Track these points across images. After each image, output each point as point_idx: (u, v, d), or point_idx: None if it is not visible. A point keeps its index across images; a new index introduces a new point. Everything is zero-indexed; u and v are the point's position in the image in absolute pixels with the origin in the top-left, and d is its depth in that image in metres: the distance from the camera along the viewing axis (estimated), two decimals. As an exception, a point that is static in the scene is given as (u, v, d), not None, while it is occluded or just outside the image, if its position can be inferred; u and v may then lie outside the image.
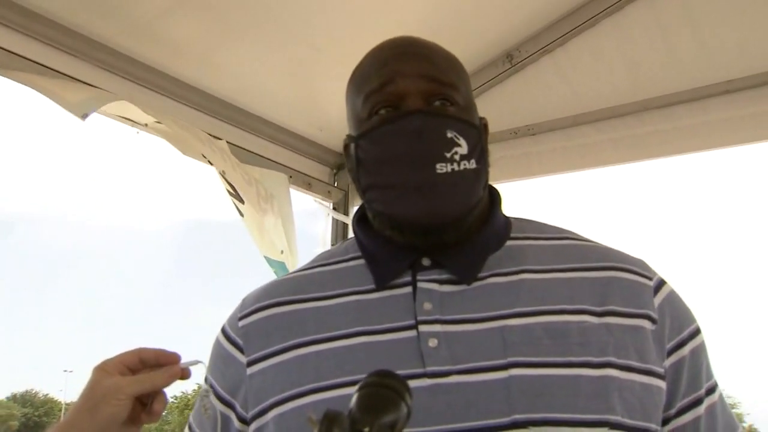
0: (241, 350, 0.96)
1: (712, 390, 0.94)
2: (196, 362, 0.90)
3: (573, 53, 2.36)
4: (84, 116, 1.65)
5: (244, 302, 1.01)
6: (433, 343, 0.86)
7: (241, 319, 0.99)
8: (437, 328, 0.87)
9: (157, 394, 0.86)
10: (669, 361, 0.90)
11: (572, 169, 2.52)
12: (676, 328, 0.92)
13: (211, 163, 2.04)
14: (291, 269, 2.32)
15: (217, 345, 1.01)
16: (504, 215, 1.01)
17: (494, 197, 1.02)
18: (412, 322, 0.88)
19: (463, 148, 0.91)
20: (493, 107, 2.54)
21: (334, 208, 2.76)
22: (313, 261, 1.05)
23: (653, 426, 0.85)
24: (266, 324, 0.96)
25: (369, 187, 0.95)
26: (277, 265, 2.31)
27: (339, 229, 2.74)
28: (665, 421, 0.89)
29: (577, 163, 2.48)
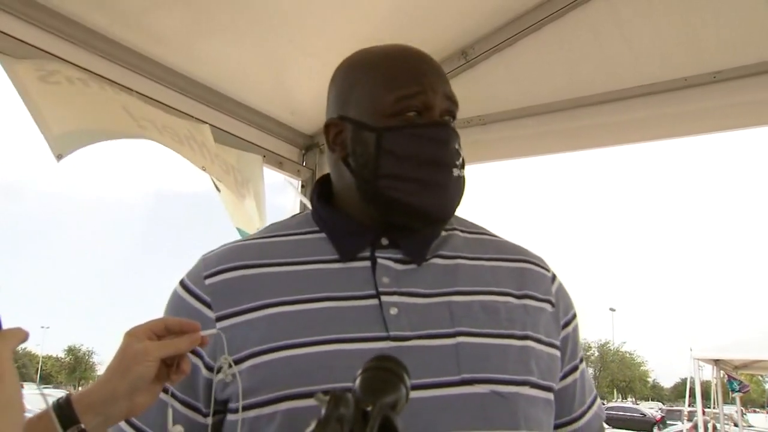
0: (209, 306, 0.98)
1: (582, 360, 1.12)
2: (215, 331, 0.93)
3: (520, 53, 2.42)
4: (59, 157, 1.56)
5: (207, 262, 1.03)
6: (394, 311, 0.93)
7: (207, 277, 1.00)
8: (395, 298, 0.94)
9: (181, 356, 0.90)
10: (561, 336, 1.05)
11: (518, 156, 2.63)
12: (565, 311, 1.07)
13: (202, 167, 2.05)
14: None
15: (179, 300, 1.02)
16: None
17: None
18: (372, 292, 0.95)
19: (460, 159, 1.00)
20: (449, 98, 2.60)
21: (302, 186, 2.80)
22: (268, 231, 1.08)
23: (554, 385, 1.00)
24: (234, 283, 0.98)
25: (389, 175, 0.97)
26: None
27: (305, 205, 2.78)
28: None
29: (522, 150, 2.59)
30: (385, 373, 0.65)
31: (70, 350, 65.74)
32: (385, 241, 1.00)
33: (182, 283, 1.03)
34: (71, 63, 1.84)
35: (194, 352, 0.99)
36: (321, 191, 1.08)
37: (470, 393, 0.90)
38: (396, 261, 0.99)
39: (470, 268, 1.02)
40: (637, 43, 2.21)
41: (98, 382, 0.88)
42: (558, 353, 1.02)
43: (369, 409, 0.59)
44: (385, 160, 0.97)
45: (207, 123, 2.25)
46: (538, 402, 0.96)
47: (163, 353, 0.87)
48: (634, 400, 57.52)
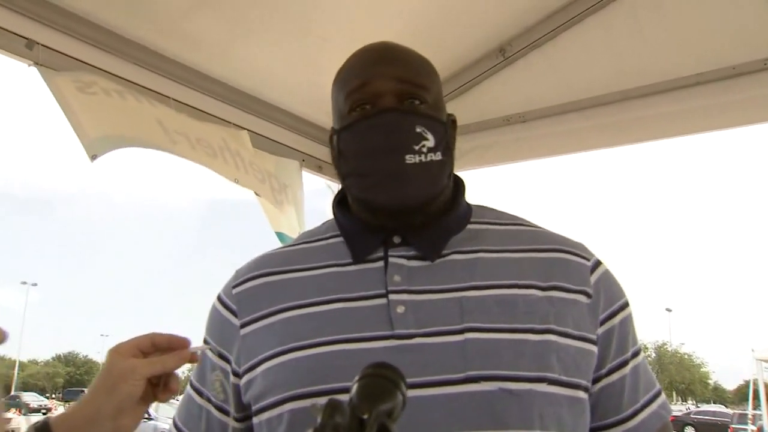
0: (235, 314, 1.01)
1: (636, 354, 1.02)
2: (205, 347, 0.92)
3: (561, 47, 2.37)
4: (93, 157, 1.61)
5: (237, 273, 1.06)
6: (400, 309, 0.91)
7: (234, 287, 1.03)
8: (404, 297, 0.92)
9: (170, 374, 0.87)
10: (601, 329, 0.97)
11: (559, 153, 2.56)
12: (608, 302, 0.99)
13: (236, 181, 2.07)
14: None
15: (214, 311, 1.05)
16: (467, 202, 1.06)
17: (458, 186, 1.06)
18: (383, 291, 0.93)
19: (430, 142, 0.95)
20: (488, 96, 2.58)
21: (342, 190, 2.79)
22: (298, 239, 1.11)
23: (584, 382, 0.93)
24: (257, 291, 1.01)
25: (348, 174, 1.00)
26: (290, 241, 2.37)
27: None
28: (597, 380, 0.96)
29: (564, 147, 2.52)
30: (381, 381, 0.64)
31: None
32: (397, 240, 0.98)
33: (217, 296, 1.06)
34: (110, 73, 1.87)
35: (224, 358, 1.00)
36: (342, 197, 1.08)
37: (476, 391, 0.86)
38: (410, 258, 0.97)
39: (491, 262, 0.98)
40: (682, 31, 2.13)
41: (81, 402, 0.84)
42: (593, 348, 0.95)
43: (365, 417, 0.58)
44: (343, 160, 0.99)
45: (245, 129, 2.27)
46: (559, 399, 0.90)
47: (151, 371, 0.84)
48: (694, 402, 55.96)
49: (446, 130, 0.99)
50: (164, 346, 0.87)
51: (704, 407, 41.38)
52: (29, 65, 1.70)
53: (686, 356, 57.94)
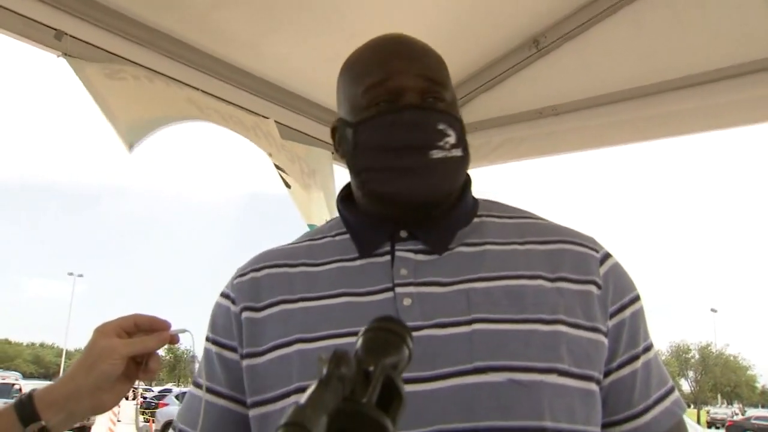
0: (233, 301, 1.00)
1: (648, 349, 0.99)
2: (184, 330, 0.93)
3: (593, 39, 2.33)
4: (131, 146, 1.63)
5: (239, 269, 1.06)
6: (407, 302, 0.90)
7: (236, 279, 1.04)
8: (411, 289, 0.92)
9: (151, 354, 0.90)
10: (611, 322, 0.95)
11: (593, 146, 2.51)
12: (618, 294, 0.97)
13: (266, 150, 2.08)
14: None
15: (216, 305, 1.05)
16: (473, 196, 1.06)
17: (466, 181, 1.05)
18: (389, 285, 0.92)
19: (452, 138, 0.95)
20: (521, 89, 2.54)
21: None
22: (302, 237, 1.10)
23: (596, 374, 0.91)
24: (258, 281, 1.01)
25: (366, 169, 0.98)
26: None
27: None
28: (608, 373, 0.94)
29: (598, 141, 2.46)
30: (387, 334, 0.63)
31: (170, 349, 69.07)
32: (403, 234, 0.98)
33: (220, 293, 1.07)
34: (138, 64, 1.89)
35: (228, 347, 1.00)
36: (346, 193, 1.07)
37: (484, 382, 0.84)
38: (417, 252, 0.96)
39: (498, 254, 0.96)
40: (716, 23, 2.07)
41: (63, 378, 0.87)
42: (604, 339, 0.93)
43: (371, 369, 0.57)
44: (361, 154, 0.98)
45: (271, 119, 2.27)
46: (571, 391, 0.88)
47: (131, 351, 0.87)
48: (741, 406, 54.63)
49: (462, 128, 0.98)
50: (146, 327, 0.90)
51: (752, 411, 40.38)
52: (58, 56, 1.73)
53: (732, 358, 56.57)
